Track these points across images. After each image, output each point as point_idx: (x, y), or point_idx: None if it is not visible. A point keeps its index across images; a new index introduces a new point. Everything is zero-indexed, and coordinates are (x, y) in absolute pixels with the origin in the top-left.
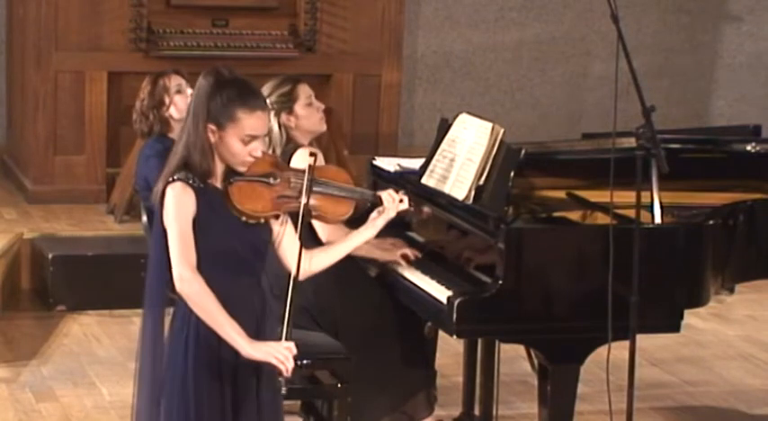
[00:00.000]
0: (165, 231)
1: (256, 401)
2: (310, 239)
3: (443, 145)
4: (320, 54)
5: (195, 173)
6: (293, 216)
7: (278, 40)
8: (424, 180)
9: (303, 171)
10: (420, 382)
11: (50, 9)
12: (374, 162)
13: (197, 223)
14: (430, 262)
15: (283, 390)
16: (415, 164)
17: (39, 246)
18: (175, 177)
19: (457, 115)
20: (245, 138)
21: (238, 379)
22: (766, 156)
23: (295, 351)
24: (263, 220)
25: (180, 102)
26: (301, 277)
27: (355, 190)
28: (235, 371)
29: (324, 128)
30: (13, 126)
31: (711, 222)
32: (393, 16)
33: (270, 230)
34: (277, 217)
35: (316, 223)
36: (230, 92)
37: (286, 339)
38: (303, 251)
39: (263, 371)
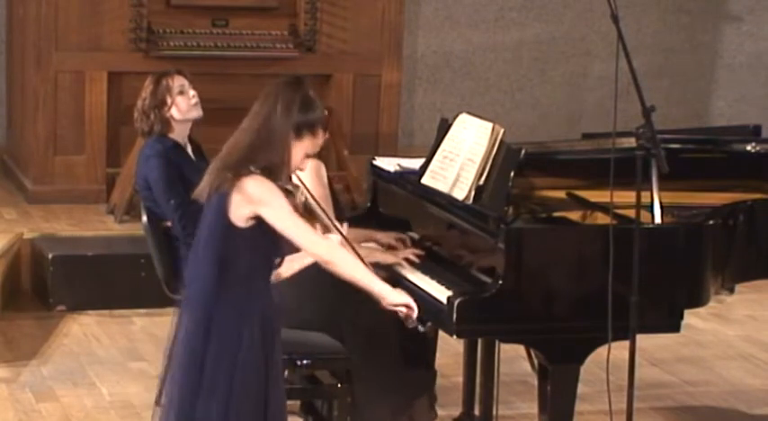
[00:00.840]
0: (227, 223)
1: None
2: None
3: (443, 145)
4: (320, 54)
5: (268, 170)
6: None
7: (278, 40)
8: (424, 180)
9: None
10: (422, 384)
11: (50, 9)
12: (374, 162)
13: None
14: (430, 262)
15: (420, 328)
16: (415, 164)
17: (39, 246)
18: (254, 170)
19: (457, 115)
20: (310, 153)
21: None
22: (766, 156)
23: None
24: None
25: (182, 103)
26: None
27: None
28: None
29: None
30: (13, 126)
31: (711, 222)
32: (393, 16)
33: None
34: None
35: None
36: (316, 108)
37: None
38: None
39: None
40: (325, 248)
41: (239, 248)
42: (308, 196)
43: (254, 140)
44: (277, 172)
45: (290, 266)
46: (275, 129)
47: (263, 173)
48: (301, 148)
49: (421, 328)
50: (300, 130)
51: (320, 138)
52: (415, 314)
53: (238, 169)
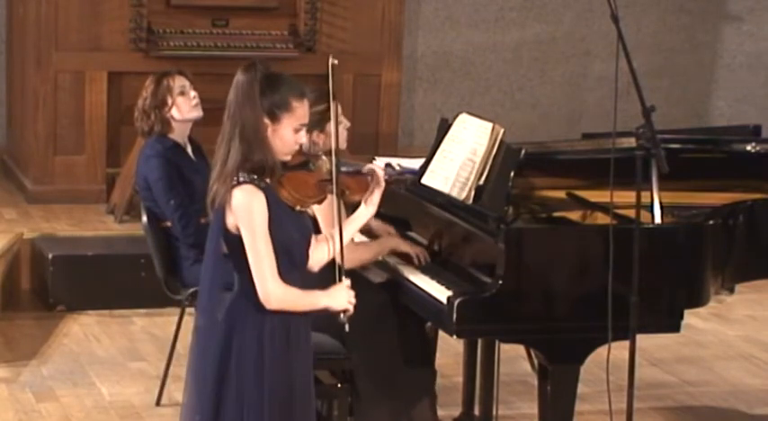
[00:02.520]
0: (226, 232)
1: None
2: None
3: (443, 145)
4: (320, 54)
5: (260, 172)
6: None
7: (278, 40)
8: (424, 180)
9: (327, 153)
10: (422, 384)
11: (50, 9)
12: (374, 162)
13: (270, 222)
14: (430, 262)
15: (347, 327)
16: (415, 164)
17: (39, 246)
18: (241, 179)
19: (457, 115)
20: (297, 127)
21: (305, 374)
22: (766, 156)
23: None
24: (311, 206)
25: (182, 103)
26: (311, 264)
27: (360, 165)
28: (303, 368)
29: (344, 145)
30: (13, 126)
31: (711, 222)
32: (393, 16)
33: (311, 218)
34: (322, 201)
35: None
36: (281, 83)
37: (339, 279)
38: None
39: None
40: (270, 287)
41: (242, 258)
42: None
43: (234, 144)
44: (266, 169)
45: (315, 259)
46: (246, 126)
47: (253, 177)
48: (285, 129)
49: (346, 328)
50: (273, 113)
51: (301, 108)
52: (347, 313)
53: (228, 180)
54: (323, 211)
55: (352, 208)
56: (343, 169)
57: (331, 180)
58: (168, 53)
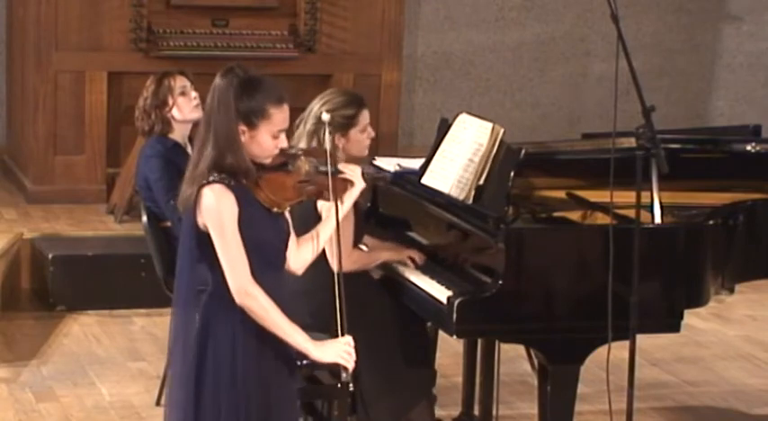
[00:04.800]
0: (198, 232)
1: (291, 400)
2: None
3: (443, 145)
4: (320, 54)
5: (231, 174)
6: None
7: (278, 40)
8: (424, 180)
9: (306, 152)
10: (422, 384)
11: (50, 9)
12: (374, 162)
13: (241, 222)
14: (430, 262)
15: (351, 386)
16: (415, 164)
17: (39, 246)
18: (210, 179)
19: (457, 115)
20: (276, 133)
21: (280, 378)
22: (766, 156)
23: (353, 344)
24: (288, 209)
25: (183, 104)
26: (295, 266)
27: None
28: (277, 373)
29: (365, 154)
30: (13, 126)
31: (711, 222)
32: (393, 16)
33: (287, 221)
34: (300, 203)
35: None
36: (257, 89)
37: (341, 334)
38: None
39: (293, 369)
40: (244, 293)
41: (213, 256)
42: (310, 161)
43: (209, 148)
44: (244, 171)
45: (300, 260)
46: (221, 130)
47: (224, 177)
48: (263, 134)
49: (349, 385)
50: (250, 120)
51: (279, 114)
52: (350, 368)
53: (199, 181)
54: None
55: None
56: (322, 169)
57: (310, 181)
58: (168, 53)
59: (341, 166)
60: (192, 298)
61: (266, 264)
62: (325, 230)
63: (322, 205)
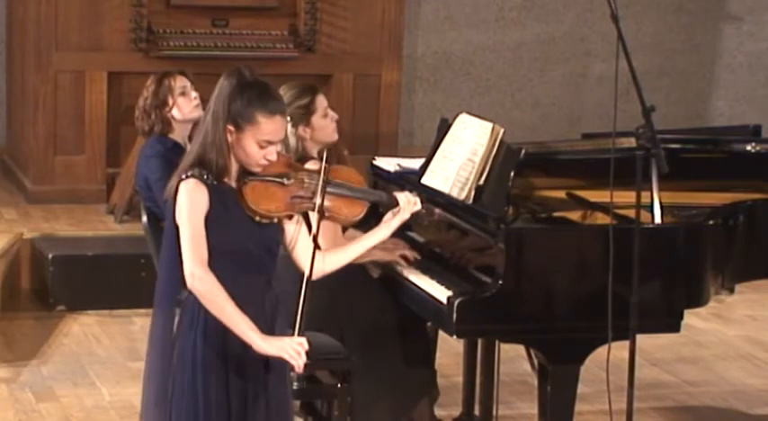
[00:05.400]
0: (177, 228)
1: (265, 396)
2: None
3: (443, 145)
4: (320, 54)
5: (210, 170)
6: (307, 216)
7: (278, 40)
8: (424, 180)
9: (317, 171)
10: (422, 385)
11: (50, 9)
12: (374, 162)
13: (209, 220)
14: (430, 262)
15: (295, 385)
16: (415, 164)
17: (39, 246)
18: (188, 174)
19: (457, 115)
20: (262, 143)
21: (248, 374)
22: (766, 156)
23: (307, 347)
24: (275, 220)
25: (183, 104)
26: (315, 276)
27: (369, 191)
28: (243, 367)
29: (335, 137)
30: (13, 126)
31: (711, 222)
32: (393, 16)
33: (282, 230)
34: (290, 217)
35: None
36: (252, 94)
37: (298, 335)
38: (317, 251)
39: (273, 366)
40: (197, 279)
41: None
42: (306, 175)
43: (201, 142)
44: (221, 169)
45: (333, 260)
46: (211, 125)
47: (201, 172)
48: (248, 140)
49: (295, 375)
50: (237, 122)
51: (268, 124)
52: (301, 362)
53: (179, 176)
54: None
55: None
56: (341, 191)
57: (309, 198)
58: (168, 53)
59: (405, 195)
60: (172, 295)
61: (238, 268)
62: (357, 248)
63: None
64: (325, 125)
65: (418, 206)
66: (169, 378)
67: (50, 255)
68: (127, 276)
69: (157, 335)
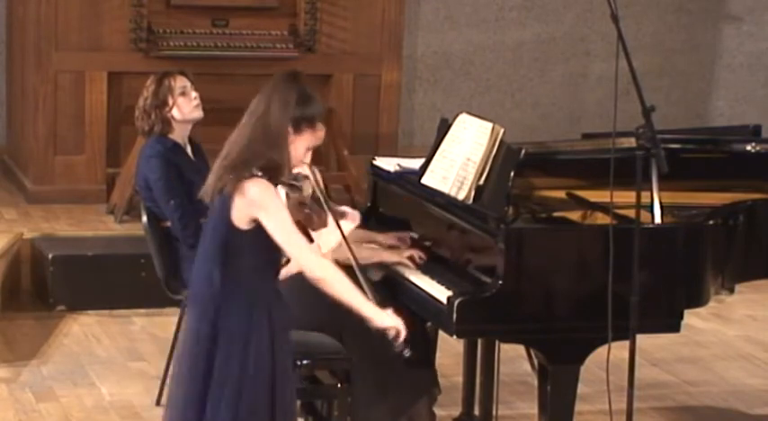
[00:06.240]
0: (233, 228)
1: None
2: None
3: (443, 145)
4: (320, 54)
5: (266, 171)
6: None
7: (278, 40)
8: (424, 180)
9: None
10: (422, 386)
11: (50, 9)
12: (374, 162)
13: None
14: (430, 262)
15: (406, 353)
16: (415, 164)
17: (39, 246)
18: (256, 174)
19: (457, 115)
20: (310, 146)
21: (285, 374)
22: (766, 156)
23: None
24: None
25: (183, 104)
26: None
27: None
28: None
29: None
30: (13, 126)
31: (711, 222)
32: (393, 16)
33: None
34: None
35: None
36: (313, 102)
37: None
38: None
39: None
40: (316, 265)
41: (243, 249)
42: (318, 188)
43: (253, 139)
44: (278, 169)
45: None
46: (273, 126)
47: (265, 173)
48: (302, 143)
49: (406, 353)
50: (299, 125)
51: (320, 131)
52: (402, 337)
53: (240, 171)
54: None
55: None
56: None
57: (309, 207)
58: (168, 53)
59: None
60: (210, 292)
61: (276, 264)
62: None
63: None
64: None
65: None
66: (216, 378)
67: (50, 255)
68: (127, 276)
69: (193, 332)
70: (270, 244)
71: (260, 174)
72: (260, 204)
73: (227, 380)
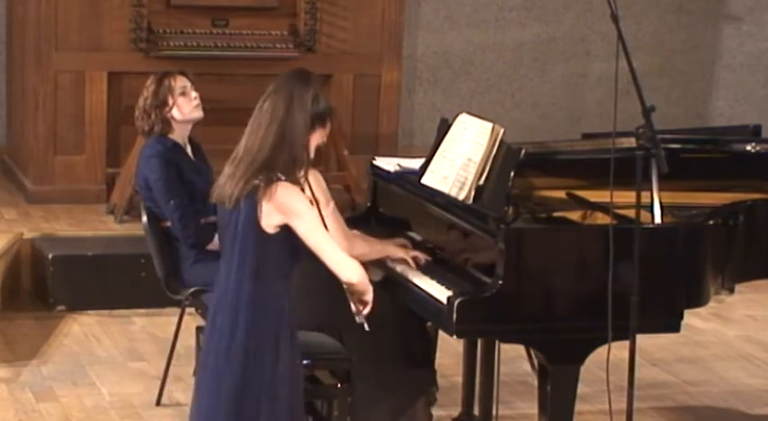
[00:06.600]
0: (256, 230)
1: None
2: None
3: (443, 145)
4: (320, 54)
5: (285, 171)
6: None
7: (278, 40)
8: (424, 180)
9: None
10: (421, 385)
11: (50, 9)
12: (374, 162)
13: None
14: (430, 262)
15: (365, 327)
16: (415, 164)
17: (39, 246)
18: (281, 178)
19: (457, 115)
20: (320, 143)
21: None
22: (766, 156)
23: None
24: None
25: (183, 104)
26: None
27: None
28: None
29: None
30: (13, 126)
31: (711, 222)
32: (393, 16)
33: None
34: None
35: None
36: (322, 100)
37: None
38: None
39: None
40: (351, 270)
41: (271, 252)
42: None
43: (276, 141)
44: (297, 169)
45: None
46: (296, 128)
47: (288, 176)
48: (314, 141)
49: (366, 327)
50: (314, 123)
51: (328, 128)
52: (368, 308)
53: (268, 176)
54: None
55: (349, 207)
56: None
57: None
58: (168, 53)
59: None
60: (240, 297)
61: (297, 263)
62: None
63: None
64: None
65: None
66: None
67: (50, 255)
68: (127, 276)
69: (223, 339)
70: (294, 245)
71: (284, 178)
72: (290, 210)
73: (259, 390)
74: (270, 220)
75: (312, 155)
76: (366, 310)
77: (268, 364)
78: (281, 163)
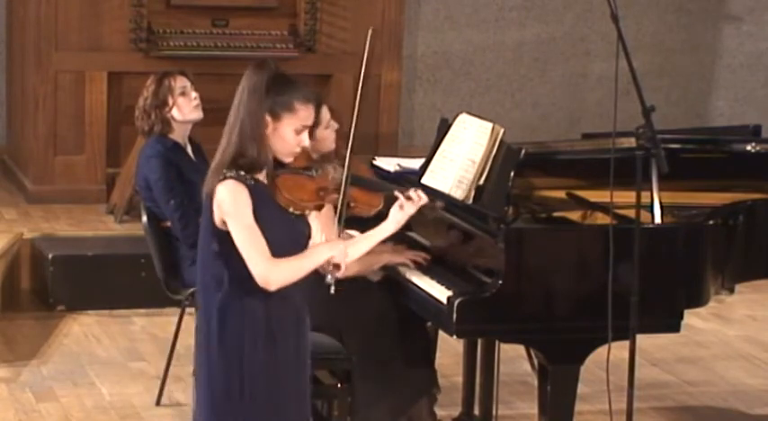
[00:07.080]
0: (215, 229)
1: None
2: None
3: (443, 145)
4: (320, 54)
5: (246, 167)
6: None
7: (278, 40)
8: (424, 180)
9: (341, 165)
10: (422, 385)
11: (50, 9)
12: (374, 162)
13: (256, 219)
14: (430, 262)
15: (332, 289)
16: (415, 164)
17: (39, 246)
18: (227, 175)
19: (457, 115)
20: (299, 128)
21: (289, 373)
22: (766, 156)
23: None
24: (307, 211)
25: (183, 104)
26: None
27: (386, 184)
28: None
29: (333, 146)
30: (13, 126)
31: (711, 222)
32: (393, 16)
33: (308, 224)
34: (320, 207)
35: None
36: (287, 84)
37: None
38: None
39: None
40: (263, 269)
41: (232, 250)
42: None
43: (231, 139)
44: (254, 165)
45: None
46: (247, 120)
47: (238, 173)
48: (286, 128)
49: (332, 290)
50: (275, 111)
51: (304, 110)
52: (337, 273)
53: (217, 172)
54: (321, 219)
55: (360, 222)
56: (360, 183)
57: (334, 189)
58: (168, 53)
59: (411, 192)
60: (211, 295)
61: None
62: (363, 245)
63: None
64: (326, 136)
65: (425, 199)
66: (215, 379)
67: (50, 255)
68: (127, 276)
69: (202, 335)
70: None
71: (231, 174)
72: (225, 208)
73: (229, 394)
74: (217, 217)
75: (300, 141)
76: (339, 273)
77: (247, 365)
78: (247, 158)
